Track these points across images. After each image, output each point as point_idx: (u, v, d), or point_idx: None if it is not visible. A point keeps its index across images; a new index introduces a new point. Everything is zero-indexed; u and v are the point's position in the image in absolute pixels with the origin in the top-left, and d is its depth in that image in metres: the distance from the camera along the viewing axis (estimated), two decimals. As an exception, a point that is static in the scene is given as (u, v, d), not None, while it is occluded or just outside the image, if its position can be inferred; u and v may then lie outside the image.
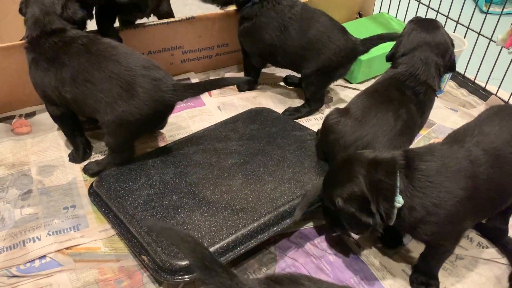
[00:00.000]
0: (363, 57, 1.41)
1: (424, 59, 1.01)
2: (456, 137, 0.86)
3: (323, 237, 0.98)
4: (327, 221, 0.89)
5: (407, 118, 0.97)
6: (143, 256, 0.85)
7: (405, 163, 0.80)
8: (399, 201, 0.77)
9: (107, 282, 0.87)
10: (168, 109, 1.02)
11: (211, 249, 0.84)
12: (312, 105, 1.31)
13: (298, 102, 1.38)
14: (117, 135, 1.00)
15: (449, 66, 1.05)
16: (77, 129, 1.12)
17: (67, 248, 0.92)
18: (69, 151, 1.14)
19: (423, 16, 1.16)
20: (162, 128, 1.21)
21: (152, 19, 1.38)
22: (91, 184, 1.02)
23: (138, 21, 1.33)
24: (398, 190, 0.77)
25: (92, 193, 1.00)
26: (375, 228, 0.79)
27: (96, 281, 0.87)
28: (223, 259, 0.84)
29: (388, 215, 0.78)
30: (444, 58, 1.03)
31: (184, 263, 0.81)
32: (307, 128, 1.17)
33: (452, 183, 0.79)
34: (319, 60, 1.22)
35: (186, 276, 0.81)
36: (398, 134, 0.96)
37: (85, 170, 1.08)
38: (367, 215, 0.77)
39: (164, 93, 0.96)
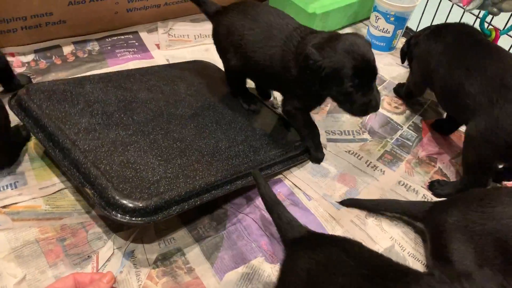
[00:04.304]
0: (318, 11, 1.39)
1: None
2: None
3: (274, 191, 0.98)
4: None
5: None
6: (86, 189, 0.78)
7: None
8: None
9: (48, 240, 0.83)
10: None
11: (169, 195, 0.78)
12: None
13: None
14: None
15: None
16: None
17: (3, 207, 0.86)
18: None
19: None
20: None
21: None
22: (13, 95, 0.90)
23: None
24: None
25: (15, 105, 0.89)
26: None
27: (36, 240, 0.82)
28: (178, 208, 0.79)
29: None
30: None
31: (139, 204, 0.75)
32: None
33: None
34: None
35: (138, 219, 0.75)
36: None
37: None
38: None
39: None
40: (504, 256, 0.75)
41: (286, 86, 0.97)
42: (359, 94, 0.86)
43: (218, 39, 1.03)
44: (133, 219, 0.75)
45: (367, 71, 0.85)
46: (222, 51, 1.04)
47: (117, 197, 0.76)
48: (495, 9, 1.04)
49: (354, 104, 0.87)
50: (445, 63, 1.02)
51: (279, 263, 0.84)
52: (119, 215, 0.75)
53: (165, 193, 0.79)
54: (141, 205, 0.76)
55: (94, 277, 0.72)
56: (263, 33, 0.95)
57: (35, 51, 1.23)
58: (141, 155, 0.85)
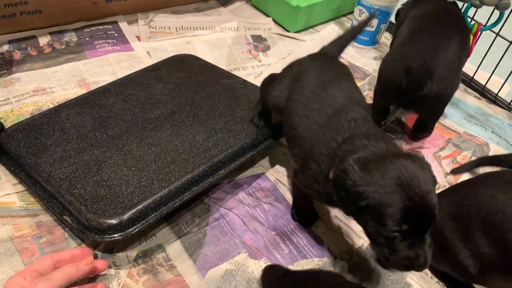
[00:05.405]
0: (302, 4, 1.37)
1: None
2: None
3: (257, 186, 0.96)
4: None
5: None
6: (65, 217, 0.78)
7: None
8: None
9: (23, 238, 0.80)
10: None
11: (143, 205, 0.78)
12: None
13: (234, 48, 1.32)
14: None
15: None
16: None
17: (-25, 204, 0.83)
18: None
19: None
20: None
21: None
22: None
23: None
24: None
25: None
26: None
27: (11, 238, 0.79)
28: (156, 214, 0.79)
29: None
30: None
31: (113, 221, 0.75)
32: (236, 76, 1.12)
33: None
34: None
35: (116, 235, 0.75)
36: None
37: None
38: None
39: None
40: (488, 235, 0.75)
41: (306, 163, 0.78)
42: (404, 244, 0.63)
43: (288, 67, 0.92)
44: (111, 237, 0.75)
45: (422, 217, 0.62)
46: (276, 79, 0.92)
47: (90, 219, 0.76)
48: (477, 2, 1.04)
49: (395, 254, 0.64)
50: (413, 16, 1.11)
51: (262, 259, 0.83)
52: (96, 236, 0.75)
53: (139, 203, 0.78)
54: (114, 222, 0.76)
55: (74, 254, 0.72)
56: (321, 103, 0.80)
57: (9, 42, 1.18)
58: (115, 170, 0.84)
